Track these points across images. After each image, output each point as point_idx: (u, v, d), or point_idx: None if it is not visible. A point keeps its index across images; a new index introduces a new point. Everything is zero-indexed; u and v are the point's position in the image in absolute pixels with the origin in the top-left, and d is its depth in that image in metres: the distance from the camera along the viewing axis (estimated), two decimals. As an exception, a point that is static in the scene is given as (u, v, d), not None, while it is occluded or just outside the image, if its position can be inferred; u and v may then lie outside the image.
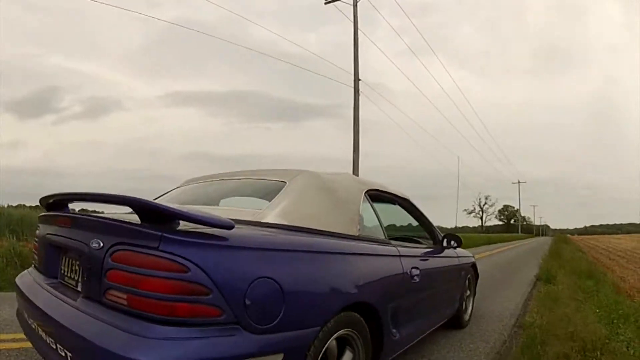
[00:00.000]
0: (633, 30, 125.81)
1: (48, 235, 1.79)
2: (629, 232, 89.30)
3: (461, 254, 3.59)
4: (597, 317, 4.11)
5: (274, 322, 1.37)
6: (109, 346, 1.17)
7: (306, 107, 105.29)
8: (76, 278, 1.56)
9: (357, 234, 2.07)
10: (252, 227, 1.62)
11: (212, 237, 1.32)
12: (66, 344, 1.35)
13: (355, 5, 17.82)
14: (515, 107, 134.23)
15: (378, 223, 2.40)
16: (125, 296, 1.25)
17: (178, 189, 2.62)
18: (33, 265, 2.03)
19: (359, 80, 17.92)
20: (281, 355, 1.38)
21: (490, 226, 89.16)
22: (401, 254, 2.33)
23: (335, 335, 1.65)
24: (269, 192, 1.99)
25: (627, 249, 23.63)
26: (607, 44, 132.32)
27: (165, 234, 1.24)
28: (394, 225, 3.61)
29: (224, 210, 1.82)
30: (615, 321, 3.91)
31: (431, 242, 3.21)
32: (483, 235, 46.25)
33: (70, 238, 1.56)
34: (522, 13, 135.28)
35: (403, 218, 3.23)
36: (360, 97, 17.91)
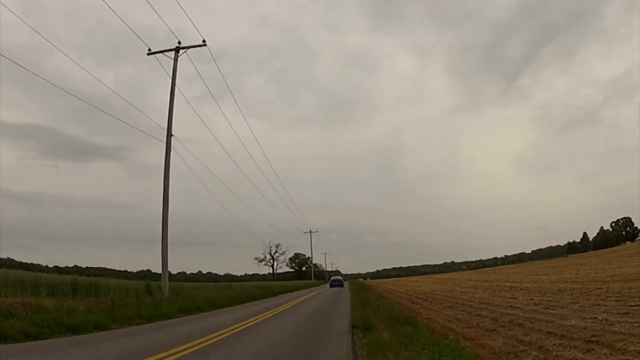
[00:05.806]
0: (420, 81, 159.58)
1: None
2: (423, 273, 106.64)
3: None
4: (427, 357, 5.60)
5: None
6: None
7: (94, 147, 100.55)
8: None
9: None
10: None
11: None
12: None
13: (175, 60, 17.48)
14: (305, 158, 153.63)
15: None
16: None
17: None
18: None
19: (172, 135, 17.16)
20: None
21: (281, 273, 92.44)
22: None
23: None
24: None
25: (427, 292, 27.66)
26: (395, 96, 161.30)
27: None
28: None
29: None
30: (441, 358, 5.46)
31: None
32: (278, 283, 48.88)
33: None
34: (311, 65, 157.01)
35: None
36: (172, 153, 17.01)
